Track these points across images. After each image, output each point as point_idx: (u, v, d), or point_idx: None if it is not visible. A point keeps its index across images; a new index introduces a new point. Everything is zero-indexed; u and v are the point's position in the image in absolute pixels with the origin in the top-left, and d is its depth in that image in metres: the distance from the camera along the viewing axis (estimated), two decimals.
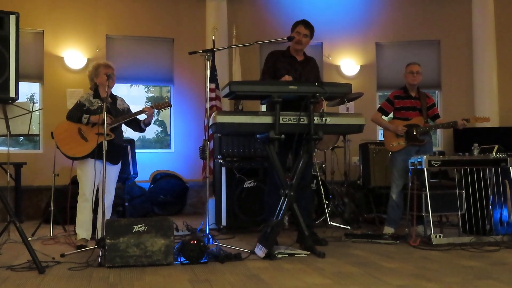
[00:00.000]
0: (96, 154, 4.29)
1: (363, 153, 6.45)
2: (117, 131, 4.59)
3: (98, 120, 4.41)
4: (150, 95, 10.15)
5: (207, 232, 4.24)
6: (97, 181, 4.40)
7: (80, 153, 4.43)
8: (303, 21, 4.67)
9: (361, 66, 8.44)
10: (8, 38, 3.47)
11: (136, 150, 7.01)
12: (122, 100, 4.77)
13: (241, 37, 7.47)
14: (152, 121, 4.80)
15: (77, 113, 4.52)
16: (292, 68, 4.63)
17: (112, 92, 4.67)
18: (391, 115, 5.30)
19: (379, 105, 5.38)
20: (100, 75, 4.57)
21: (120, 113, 4.63)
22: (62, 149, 4.47)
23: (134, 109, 4.75)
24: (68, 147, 4.46)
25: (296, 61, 4.69)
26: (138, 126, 4.75)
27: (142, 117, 4.68)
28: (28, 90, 8.00)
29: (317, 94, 4.05)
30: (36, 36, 7.62)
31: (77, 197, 4.54)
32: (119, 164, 4.68)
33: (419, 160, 4.51)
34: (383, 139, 5.55)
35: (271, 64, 4.66)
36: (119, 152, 4.64)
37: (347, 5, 8.50)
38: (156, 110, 4.70)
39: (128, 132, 4.92)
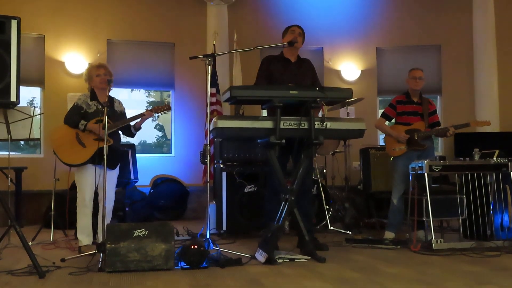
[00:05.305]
0: (96, 159, 4.27)
1: (363, 158, 6.45)
2: (115, 135, 4.55)
3: (94, 128, 4.34)
4: (151, 99, 10.14)
5: (208, 237, 4.23)
6: (96, 186, 4.39)
7: (77, 160, 4.38)
8: (294, 25, 4.72)
9: (361, 71, 8.45)
10: (10, 42, 3.47)
11: (137, 155, 7.02)
12: (119, 102, 4.72)
13: (242, 42, 7.47)
14: (142, 126, 4.73)
15: (74, 117, 4.45)
16: (286, 71, 4.64)
17: (109, 95, 4.64)
18: (393, 120, 5.30)
19: (382, 111, 5.37)
20: (93, 78, 4.53)
21: (118, 116, 4.59)
22: (60, 156, 4.40)
23: (133, 114, 4.67)
24: (66, 154, 4.39)
25: (290, 63, 4.70)
26: (128, 130, 4.71)
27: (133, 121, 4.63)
28: (28, 95, 8.00)
29: (318, 99, 4.05)
30: (37, 41, 7.64)
31: (76, 202, 4.51)
32: (117, 169, 4.65)
33: (420, 165, 4.50)
34: (384, 144, 5.54)
35: (265, 68, 4.66)
36: (117, 156, 4.58)
37: (347, 10, 8.52)
38: (156, 114, 4.68)
39: (127, 137, 4.87)
